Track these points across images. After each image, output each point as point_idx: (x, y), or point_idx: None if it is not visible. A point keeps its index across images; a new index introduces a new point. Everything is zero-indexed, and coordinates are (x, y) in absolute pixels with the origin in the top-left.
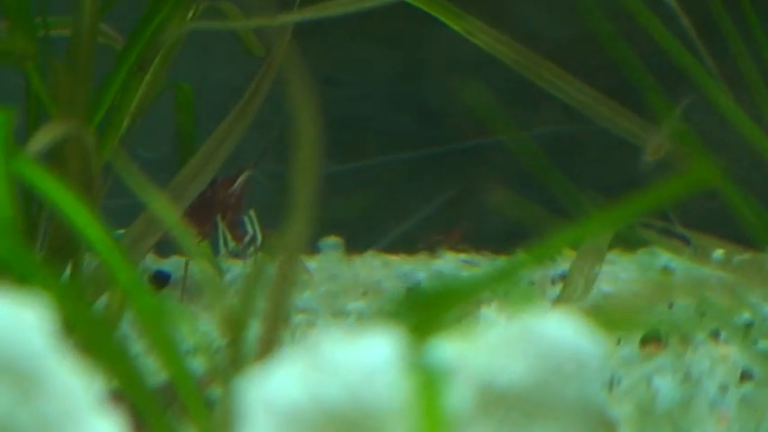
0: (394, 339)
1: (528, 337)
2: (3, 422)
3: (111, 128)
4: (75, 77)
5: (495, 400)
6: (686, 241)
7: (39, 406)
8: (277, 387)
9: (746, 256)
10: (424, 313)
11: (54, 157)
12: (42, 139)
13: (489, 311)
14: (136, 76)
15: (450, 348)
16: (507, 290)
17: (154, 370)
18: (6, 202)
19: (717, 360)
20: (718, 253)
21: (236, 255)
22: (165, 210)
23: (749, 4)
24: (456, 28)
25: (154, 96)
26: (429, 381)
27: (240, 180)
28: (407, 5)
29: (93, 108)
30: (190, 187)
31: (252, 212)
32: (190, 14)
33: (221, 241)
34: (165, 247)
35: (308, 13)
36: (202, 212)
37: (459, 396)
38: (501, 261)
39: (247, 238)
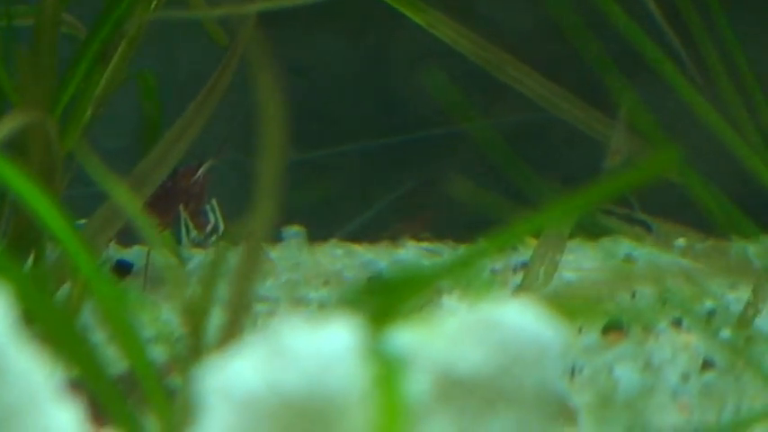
0: (353, 328)
1: (487, 325)
2: None
3: (74, 117)
4: (38, 67)
5: (455, 388)
6: (648, 228)
7: None
8: (235, 375)
9: (708, 243)
10: (384, 301)
11: (16, 147)
12: (4, 128)
13: (451, 300)
14: (99, 66)
15: (410, 336)
16: (469, 278)
17: (115, 359)
18: None
19: (679, 348)
20: (681, 241)
21: (198, 244)
22: (127, 199)
23: None
24: (418, 20)
25: (117, 85)
26: (388, 369)
27: (202, 169)
28: None
29: (55, 97)
30: (152, 176)
31: (214, 202)
32: (154, 3)
33: (183, 230)
34: (128, 237)
35: (272, 3)
36: (164, 202)
37: (418, 384)
38: (463, 250)
39: (210, 227)
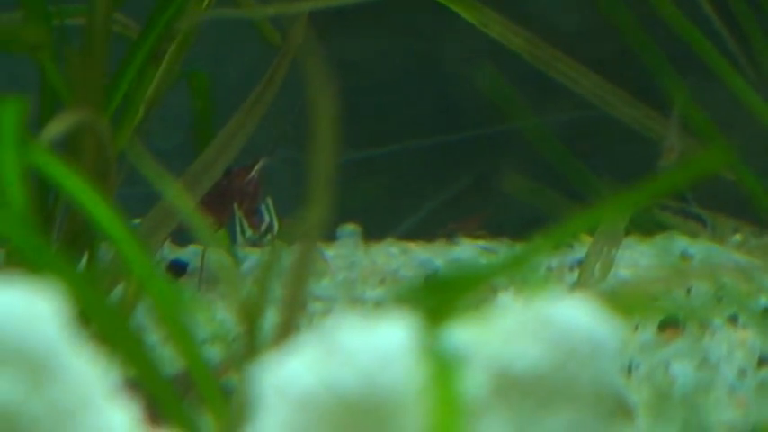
0: (409, 326)
1: (542, 322)
2: (17, 410)
3: (127, 117)
4: (90, 66)
5: (511, 385)
6: (704, 223)
7: (53, 394)
8: (291, 374)
9: (764, 238)
10: (439, 299)
11: (69, 147)
12: (57, 128)
13: (507, 298)
14: (151, 65)
15: (466, 334)
16: (524, 276)
17: (170, 359)
18: (21, 191)
19: (735, 345)
20: (736, 237)
21: (253, 243)
22: (181, 199)
23: None
24: (470, 19)
25: (169, 85)
26: (444, 367)
27: (257, 168)
28: None
29: (108, 97)
30: (205, 176)
31: (269, 201)
32: (205, 2)
33: (238, 229)
34: (183, 236)
35: (324, 2)
36: (219, 201)
37: (474, 382)
38: (518, 247)
39: (264, 226)
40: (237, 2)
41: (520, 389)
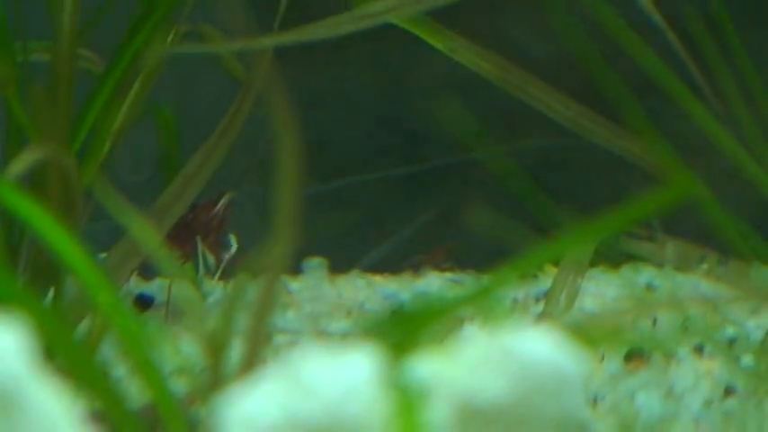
0: (373, 358)
1: (506, 354)
2: None
3: (92, 151)
4: (55, 101)
5: (475, 417)
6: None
7: (18, 428)
8: (255, 406)
9: (730, 265)
10: (404, 331)
11: (35, 181)
12: (23, 162)
13: (473, 329)
14: (116, 100)
15: (430, 366)
16: (490, 307)
17: (136, 392)
18: None
19: (701, 375)
20: (702, 266)
21: (218, 276)
22: (147, 233)
23: (728, 19)
24: (438, 46)
25: (135, 119)
26: (408, 399)
27: (222, 202)
28: (388, 25)
29: (73, 132)
30: (172, 209)
31: (232, 236)
32: (170, 37)
33: (201, 261)
34: (150, 270)
35: (288, 37)
36: (185, 235)
37: (438, 414)
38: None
39: (227, 257)
40: (202, 37)
41: (484, 421)
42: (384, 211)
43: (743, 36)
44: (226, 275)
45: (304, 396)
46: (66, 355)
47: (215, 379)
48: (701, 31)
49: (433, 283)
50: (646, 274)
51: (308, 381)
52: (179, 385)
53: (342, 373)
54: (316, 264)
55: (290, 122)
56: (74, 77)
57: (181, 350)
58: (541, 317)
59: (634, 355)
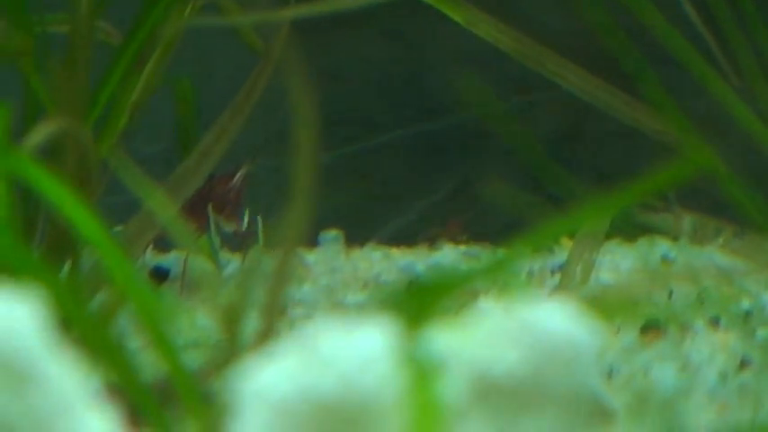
0: (388, 331)
1: (522, 326)
2: None
3: (110, 124)
4: (73, 74)
5: (490, 389)
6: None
7: (32, 400)
8: (270, 380)
9: (745, 238)
10: (419, 304)
11: (51, 154)
12: (39, 135)
13: (488, 302)
14: (134, 72)
15: (445, 339)
16: (505, 280)
17: (151, 365)
18: (3, 198)
19: (716, 348)
20: (718, 239)
21: (234, 247)
22: (163, 205)
23: None
24: (457, 18)
25: (152, 92)
26: (423, 371)
27: (239, 175)
28: None
29: (90, 104)
30: (188, 182)
31: (246, 210)
32: (188, 9)
33: (213, 231)
34: (166, 243)
35: (306, 10)
36: (201, 208)
37: (453, 386)
38: (499, 252)
39: (245, 232)
40: (221, 9)
41: (499, 393)
42: (401, 184)
43: (761, 8)
44: (243, 248)
45: (318, 369)
46: (81, 327)
47: (230, 352)
48: (719, 3)
49: (449, 255)
50: (662, 246)
51: (322, 354)
52: (194, 358)
53: (356, 345)
54: (332, 236)
55: (308, 95)
56: (91, 49)
57: (196, 323)
58: (557, 289)
59: (650, 328)
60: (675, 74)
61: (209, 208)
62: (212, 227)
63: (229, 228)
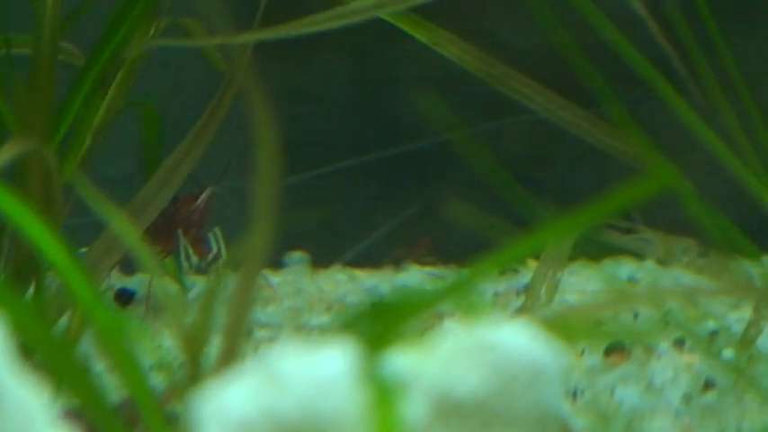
0: (349, 352)
1: (483, 347)
2: None
3: (74, 146)
4: (36, 95)
5: (451, 410)
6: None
7: None
8: (230, 401)
9: (711, 258)
10: (382, 325)
11: (15, 176)
12: (3, 157)
13: (452, 323)
14: (98, 94)
15: (406, 360)
16: (470, 301)
17: (115, 387)
18: None
19: (680, 369)
20: (683, 259)
21: (199, 270)
22: (127, 228)
23: (710, 16)
24: (423, 39)
25: (116, 113)
26: (384, 392)
27: (203, 197)
28: (372, 18)
29: (55, 126)
30: (152, 204)
31: (216, 229)
32: (152, 31)
33: (183, 257)
34: (131, 265)
35: (268, 33)
36: (166, 230)
37: (414, 407)
38: (464, 273)
39: (212, 254)
40: (185, 30)
41: (461, 414)
42: (366, 205)
43: (723, 28)
44: (207, 270)
45: (279, 391)
46: (45, 350)
47: (193, 374)
48: (682, 24)
49: (415, 276)
50: (627, 267)
51: (283, 375)
52: (158, 380)
53: (317, 367)
54: (298, 258)
55: (269, 117)
56: (55, 71)
57: (161, 345)
58: (521, 310)
59: (614, 349)
60: (640, 93)
61: (180, 232)
62: (182, 250)
63: (198, 258)
